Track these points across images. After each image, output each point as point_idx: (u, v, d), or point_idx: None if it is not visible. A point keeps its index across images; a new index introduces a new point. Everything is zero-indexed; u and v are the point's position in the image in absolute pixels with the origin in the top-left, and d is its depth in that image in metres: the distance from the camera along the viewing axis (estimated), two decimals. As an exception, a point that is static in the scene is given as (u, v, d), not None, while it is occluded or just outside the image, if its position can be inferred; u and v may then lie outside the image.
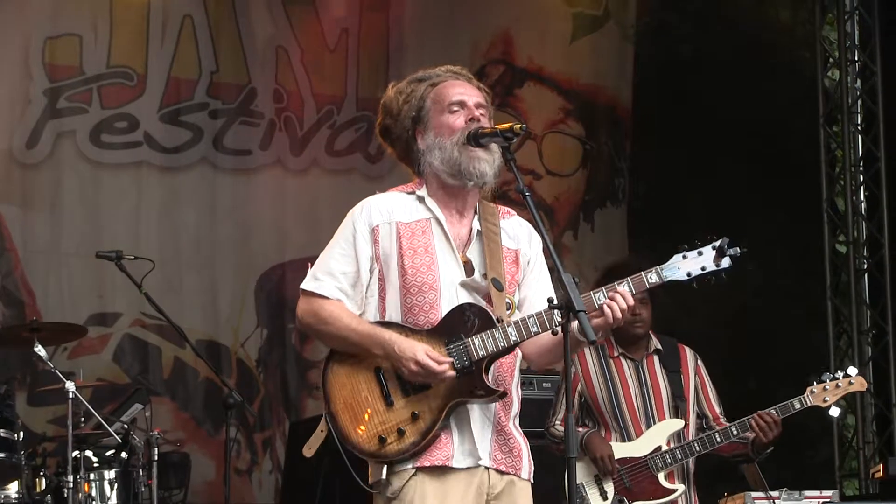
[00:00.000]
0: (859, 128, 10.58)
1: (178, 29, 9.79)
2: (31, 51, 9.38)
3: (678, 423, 5.97)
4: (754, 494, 6.85)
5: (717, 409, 6.13)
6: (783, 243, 11.47)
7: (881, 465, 7.69)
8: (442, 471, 4.08)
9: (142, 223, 9.59)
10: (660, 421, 5.98)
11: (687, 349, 6.18)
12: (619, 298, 4.07)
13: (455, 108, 4.22)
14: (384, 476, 4.08)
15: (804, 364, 10.80)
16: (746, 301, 11.07)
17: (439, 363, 4.04)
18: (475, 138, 4.17)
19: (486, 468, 4.12)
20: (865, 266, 10.40)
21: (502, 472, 4.16)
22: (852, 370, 6.07)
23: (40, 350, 7.19)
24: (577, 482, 5.89)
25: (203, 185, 9.85)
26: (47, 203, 9.36)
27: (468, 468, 4.10)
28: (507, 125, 4.17)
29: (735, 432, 5.94)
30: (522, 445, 4.23)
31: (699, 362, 6.18)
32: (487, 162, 4.18)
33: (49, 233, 9.34)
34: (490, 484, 4.13)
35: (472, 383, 4.10)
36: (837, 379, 6.02)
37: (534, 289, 4.28)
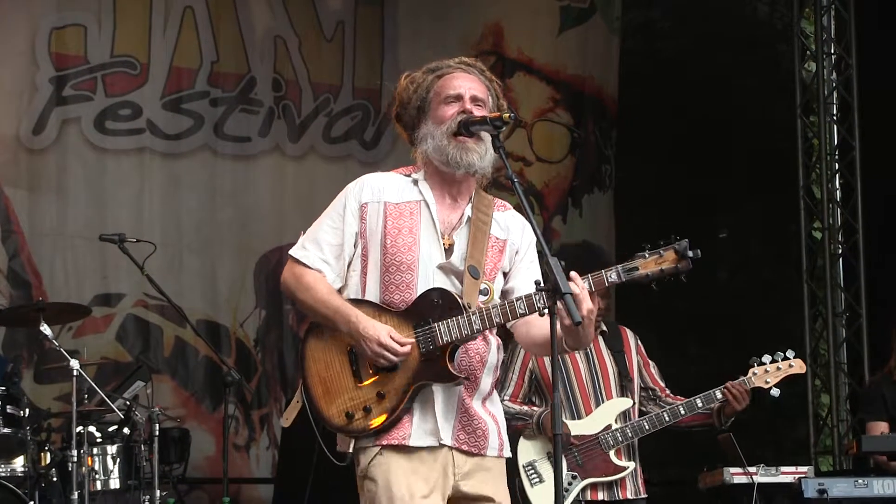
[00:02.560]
0: (835, 118, 10.55)
1: (179, 19, 9.74)
2: (37, 41, 9.33)
3: (627, 402, 5.94)
4: (732, 470, 6.83)
5: (662, 383, 6.15)
6: (761, 228, 11.49)
7: (854, 441, 7.66)
8: (406, 449, 4.06)
9: (144, 207, 9.55)
10: (608, 400, 5.94)
11: (627, 330, 6.17)
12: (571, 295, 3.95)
13: (451, 100, 4.19)
14: (351, 450, 4.08)
15: (780, 345, 10.78)
16: (725, 284, 11.08)
17: (402, 345, 4.02)
18: (465, 126, 4.14)
19: (450, 448, 4.09)
20: (840, 251, 10.38)
21: (470, 453, 4.13)
22: (790, 353, 6.04)
23: (46, 329, 7.14)
24: (531, 459, 5.85)
25: (204, 170, 9.81)
26: (53, 187, 9.31)
27: (430, 448, 4.07)
28: (495, 114, 4.15)
29: (700, 404, 5.93)
30: (490, 425, 4.18)
31: (638, 342, 6.18)
32: (477, 153, 4.15)
33: (55, 216, 9.29)
34: (455, 464, 4.10)
35: (435, 367, 4.07)
36: (777, 361, 6.00)
37: (520, 279, 4.26)
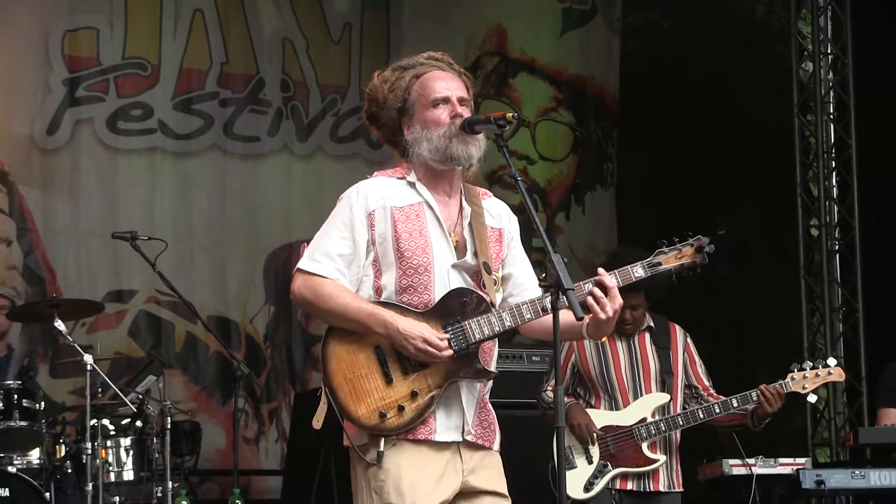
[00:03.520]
0: (832, 117, 10.57)
1: (189, 22, 9.77)
2: (51, 43, 9.37)
3: (664, 397, 5.98)
4: (731, 461, 6.85)
5: (706, 382, 6.15)
6: (760, 226, 11.49)
7: (851, 434, 7.68)
8: (420, 444, 4.05)
9: (156, 205, 9.59)
10: (647, 394, 5.98)
11: (677, 327, 6.19)
12: (598, 290, 4.05)
13: (438, 103, 4.17)
14: (382, 448, 4.04)
15: (779, 339, 10.81)
16: (725, 280, 11.09)
17: (441, 341, 4.03)
18: (470, 126, 4.13)
19: (459, 446, 4.09)
20: (837, 247, 10.40)
21: (476, 448, 4.13)
22: (832, 361, 6.04)
23: (60, 325, 7.17)
24: (566, 445, 5.90)
25: (214, 169, 9.84)
26: (67, 186, 9.35)
27: (444, 444, 4.07)
28: (499, 113, 4.13)
29: (736, 404, 5.95)
30: (494, 418, 4.22)
31: (688, 339, 6.20)
32: (475, 146, 4.15)
33: (68, 214, 9.33)
34: (463, 460, 4.11)
35: (467, 364, 4.08)
36: (817, 368, 6.01)
37: (517, 265, 4.28)
